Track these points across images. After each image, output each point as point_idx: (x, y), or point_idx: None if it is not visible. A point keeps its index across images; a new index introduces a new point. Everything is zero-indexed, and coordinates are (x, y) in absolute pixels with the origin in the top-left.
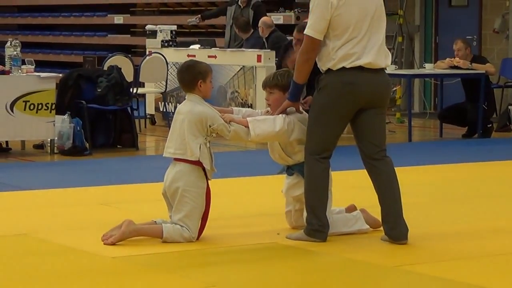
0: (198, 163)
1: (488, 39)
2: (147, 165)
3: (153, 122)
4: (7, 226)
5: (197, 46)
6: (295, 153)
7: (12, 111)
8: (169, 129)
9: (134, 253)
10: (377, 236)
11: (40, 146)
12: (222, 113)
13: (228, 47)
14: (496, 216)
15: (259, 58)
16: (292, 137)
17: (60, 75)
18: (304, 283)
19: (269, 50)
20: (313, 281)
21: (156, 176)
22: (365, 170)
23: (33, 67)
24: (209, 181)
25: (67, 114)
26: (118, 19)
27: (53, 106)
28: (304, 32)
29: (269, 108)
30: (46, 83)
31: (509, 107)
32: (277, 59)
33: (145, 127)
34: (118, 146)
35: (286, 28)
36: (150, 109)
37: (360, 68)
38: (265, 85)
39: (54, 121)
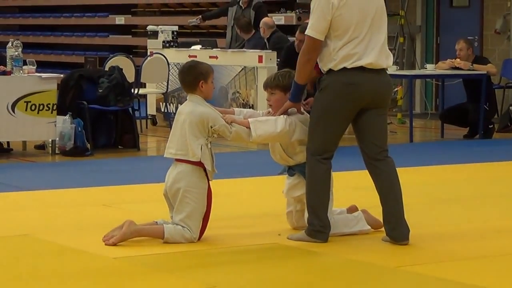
0: (199, 163)
1: (489, 40)
2: (148, 166)
3: (154, 123)
4: (8, 226)
5: (198, 47)
6: (296, 153)
7: (14, 111)
8: (170, 129)
9: (135, 253)
10: (378, 236)
11: (41, 147)
12: (223, 114)
13: (229, 48)
14: (497, 217)
15: (260, 59)
16: (293, 138)
17: (62, 75)
18: (305, 283)
19: (270, 50)
20: (314, 281)
21: (157, 176)
22: (366, 171)
23: (35, 67)
24: (210, 181)
25: (68, 115)
26: (120, 20)
27: (55, 107)
28: (305, 33)
29: (270, 109)
30: (48, 84)
31: (511, 107)
32: (278, 59)
33: (146, 127)
34: (119, 146)
35: (288, 29)
36: (151, 110)
37: (361, 69)
38: (267, 86)
39: (55, 121)
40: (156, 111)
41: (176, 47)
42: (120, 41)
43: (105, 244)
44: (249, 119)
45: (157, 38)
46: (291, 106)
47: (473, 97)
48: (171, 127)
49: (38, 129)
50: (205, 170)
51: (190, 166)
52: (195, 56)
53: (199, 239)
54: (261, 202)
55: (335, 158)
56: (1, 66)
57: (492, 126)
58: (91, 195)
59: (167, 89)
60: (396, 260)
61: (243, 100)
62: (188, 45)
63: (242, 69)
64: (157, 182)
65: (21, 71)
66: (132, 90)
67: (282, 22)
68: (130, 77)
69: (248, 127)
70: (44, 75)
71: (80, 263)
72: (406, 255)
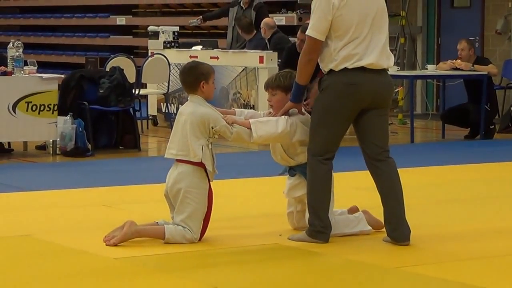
0: (200, 164)
1: (490, 40)
2: (149, 166)
3: (155, 123)
4: (9, 227)
5: (199, 47)
6: (297, 154)
7: (15, 112)
8: (171, 130)
9: (136, 254)
10: (379, 237)
11: (42, 147)
12: (224, 114)
13: (230, 48)
14: (498, 217)
15: (261, 59)
16: (294, 139)
17: (62, 76)
18: (306, 284)
19: (271, 51)
20: (315, 282)
21: (158, 177)
22: (367, 171)
23: (35, 68)
24: (211, 182)
25: (69, 115)
26: (120, 20)
27: (55, 107)
28: (306, 33)
29: (271, 110)
30: (48, 84)
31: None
32: (279, 60)
33: (147, 128)
34: (120, 147)
35: (289, 29)
36: (152, 110)
37: (362, 69)
38: (268, 86)
39: (56, 122)
40: (157, 112)
41: (177, 47)
42: (121, 42)
43: (106, 245)
44: (250, 120)
45: (158, 39)
46: (292, 106)
47: (474, 97)
48: (172, 128)
49: (39, 130)
50: (206, 170)
51: (191, 166)
52: (196, 57)
53: (200, 239)
54: (262, 202)
55: (336, 158)
56: (2, 67)
57: (493, 126)
58: (92, 195)
59: (168, 90)
60: (397, 261)
61: (244, 101)
62: (189, 45)
63: (243, 69)
64: (158, 182)
65: (22, 72)
66: (133, 91)
67: (283, 22)
68: (131, 77)
69: (249, 128)
70: (45, 75)
71: (81, 263)
72: (407, 255)
